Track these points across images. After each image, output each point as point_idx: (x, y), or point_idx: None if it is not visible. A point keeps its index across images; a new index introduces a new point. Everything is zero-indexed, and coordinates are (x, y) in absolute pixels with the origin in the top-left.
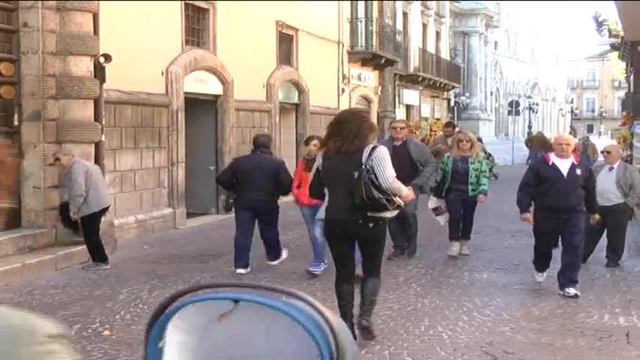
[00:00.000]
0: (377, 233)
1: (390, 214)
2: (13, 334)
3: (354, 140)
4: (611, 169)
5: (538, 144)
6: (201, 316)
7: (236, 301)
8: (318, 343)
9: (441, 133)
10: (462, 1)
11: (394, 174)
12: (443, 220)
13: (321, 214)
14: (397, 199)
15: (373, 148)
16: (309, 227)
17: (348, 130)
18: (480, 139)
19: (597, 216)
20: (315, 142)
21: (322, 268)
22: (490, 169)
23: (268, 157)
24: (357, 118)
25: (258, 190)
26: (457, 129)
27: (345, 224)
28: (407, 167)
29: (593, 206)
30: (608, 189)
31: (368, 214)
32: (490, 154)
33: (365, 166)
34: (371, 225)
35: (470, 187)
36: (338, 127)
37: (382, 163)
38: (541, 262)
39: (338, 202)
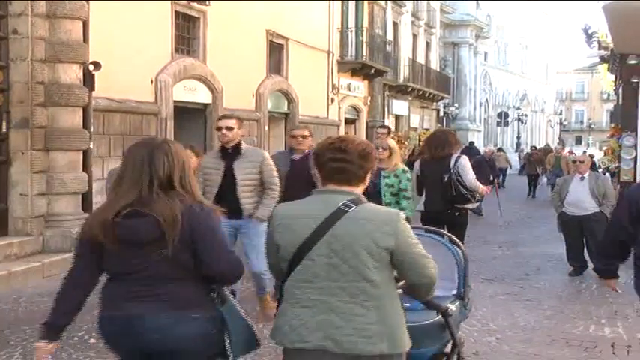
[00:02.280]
0: (461, 220)
1: (471, 205)
2: None
3: (444, 148)
4: (582, 179)
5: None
6: None
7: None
8: (458, 265)
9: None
10: (453, 13)
11: (474, 176)
12: None
13: (421, 206)
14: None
15: (457, 158)
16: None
17: (439, 141)
18: (501, 150)
19: None
20: (188, 153)
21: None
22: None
23: None
24: (446, 133)
25: None
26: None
27: (438, 214)
28: (302, 187)
29: None
30: (582, 199)
31: (455, 205)
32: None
33: (453, 171)
34: (457, 214)
35: None
36: (434, 139)
37: (465, 169)
38: None
39: (433, 197)
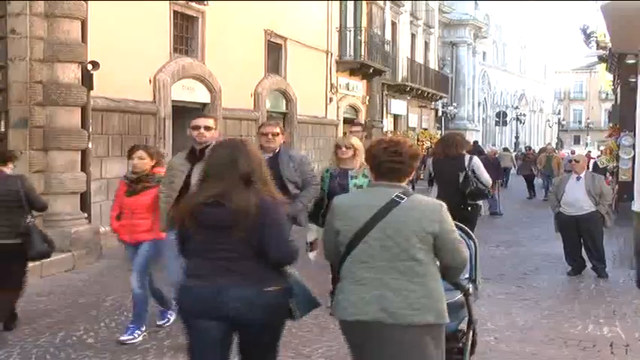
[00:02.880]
0: (472, 215)
1: (481, 202)
2: None
3: (456, 148)
4: (578, 178)
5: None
6: None
7: None
8: (471, 253)
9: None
10: (451, 12)
11: (487, 174)
12: (312, 256)
13: None
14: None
15: (471, 158)
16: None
17: (451, 142)
18: (507, 150)
19: None
20: (140, 153)
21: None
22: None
23: None
24: (456, 135)
25: None
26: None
27: (452, 210)
28: None
29: None
30: (579, 198)
31: (468, 201)
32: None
33: (468, 169)
34: (469, 209)
35: None
36: (445, 140)
37: (480, 168)
38: None
39: (448, 192)
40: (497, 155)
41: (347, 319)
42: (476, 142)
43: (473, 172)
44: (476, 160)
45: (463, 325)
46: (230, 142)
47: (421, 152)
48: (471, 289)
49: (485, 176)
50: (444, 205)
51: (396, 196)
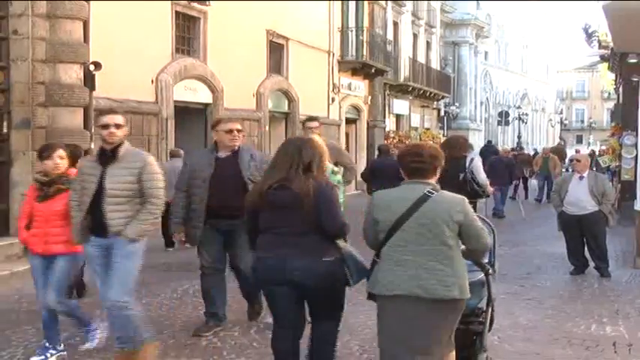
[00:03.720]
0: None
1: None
2: None
3: (460, 150)
4: (581, 178)
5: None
6: None
7: None
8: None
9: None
10: (453, 12)
11: (485, 176)
12: None
13: None
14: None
15: (472, 160)
16: (38, 290)
17: (455, 144)
18: (521, 149)
19: None
20: (60, 152)
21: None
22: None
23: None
24: (459, 137)
25: None
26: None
27: None
28: (232, 194)
29: None
30: (582, 198)
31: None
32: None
33: (468, 170)
34: None
35: None
36: (450, 142)
37: (478, 169)
38: None
39: (450, 191)
40: (510, 155)
41: (386, 294)
42: (490, 142)
43: (472, 172)
44: (476, 161)
45: (482, 304)
46: (297, 138)
47: (441, 152)
48: (490, 270)
49: (482, 177)
50: (466, 199)
51: (427, 191)
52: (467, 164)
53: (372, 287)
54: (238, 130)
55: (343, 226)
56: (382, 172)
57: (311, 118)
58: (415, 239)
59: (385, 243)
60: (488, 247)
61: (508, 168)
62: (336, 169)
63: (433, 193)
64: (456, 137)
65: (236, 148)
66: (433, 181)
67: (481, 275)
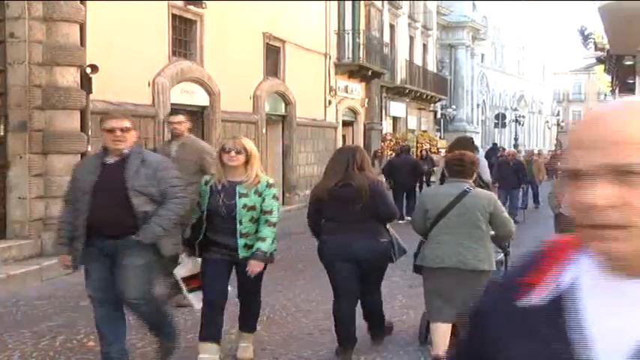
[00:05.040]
0: None
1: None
2: None
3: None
4: None
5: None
6: None
7: None
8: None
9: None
10: (449, 14)
11: (489, 175)
12: (196, 301)
13: None
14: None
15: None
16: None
17: (462, 145)
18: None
19: None
20: None
21: None
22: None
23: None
24: (466, 138)
25: None
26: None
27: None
28: (114, 208)
29: None
30: None
31: None
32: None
33: None
34: None
35: (241, 241)
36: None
37: (483, 169)
38: None
39: None
40: (515, 158)
41: (433, 267)
42: (495, 145)
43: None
44: (482, 162)
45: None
46: (348, 146)
47: (476, 158)
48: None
49: (487, 176)
50: (494, 195)
51: (467, 188)
52: None
53: (421, 261)
54: (124, 129)
55: (395, 212)
56: (400, 168)
57: (174, 113)
58: (457, 225)
59: (432, 228)
60: (512, 233)
61: (516, 172)
62: (271, 181)
63: (471, 190)
64: (465, 137)
65: (125, 151)
66: (471, 180)
67: (501, 255)
